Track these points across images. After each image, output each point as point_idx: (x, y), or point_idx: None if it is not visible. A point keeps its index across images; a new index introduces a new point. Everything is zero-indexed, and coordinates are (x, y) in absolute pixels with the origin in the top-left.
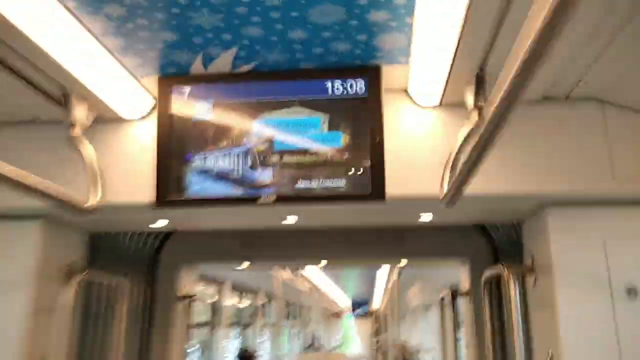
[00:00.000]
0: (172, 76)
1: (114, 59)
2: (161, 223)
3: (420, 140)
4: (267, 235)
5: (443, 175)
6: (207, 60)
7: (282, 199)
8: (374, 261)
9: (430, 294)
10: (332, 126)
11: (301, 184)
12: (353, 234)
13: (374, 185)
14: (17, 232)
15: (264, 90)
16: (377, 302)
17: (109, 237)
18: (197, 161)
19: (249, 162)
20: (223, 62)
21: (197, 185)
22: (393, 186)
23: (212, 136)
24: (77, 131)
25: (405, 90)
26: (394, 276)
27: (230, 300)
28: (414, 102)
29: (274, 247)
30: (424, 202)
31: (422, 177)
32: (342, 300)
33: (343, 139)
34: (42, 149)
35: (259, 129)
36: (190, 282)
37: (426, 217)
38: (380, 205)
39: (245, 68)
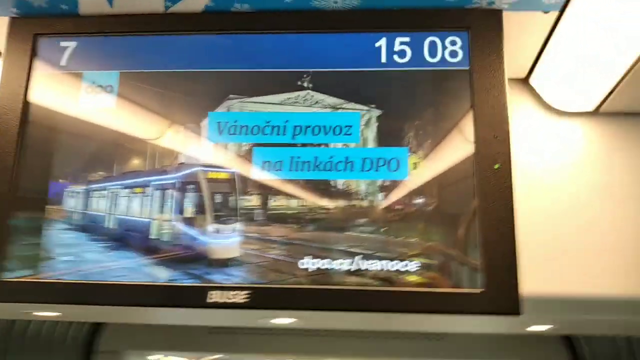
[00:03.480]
0: (35, 17)
1: None
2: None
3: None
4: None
5: None
6: None
7: (263, 300)
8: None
9: None
10: (388, 132)
11: (311, 262)
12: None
13: (489, 280)
14: None
15: (236, 50)
16: None
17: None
18: (74, 199)
19: (192, 206)
20: None
21: (68, 257)
22: (532, 276)
23: (112, 147)
24: None
25: (524, 80)
26: None
27: None
28: (545, 105)
29: (253, 335)
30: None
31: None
32: None
33: (412, 161)
34: None
35: (219, 136)
36: None
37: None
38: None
39: (200, 3)
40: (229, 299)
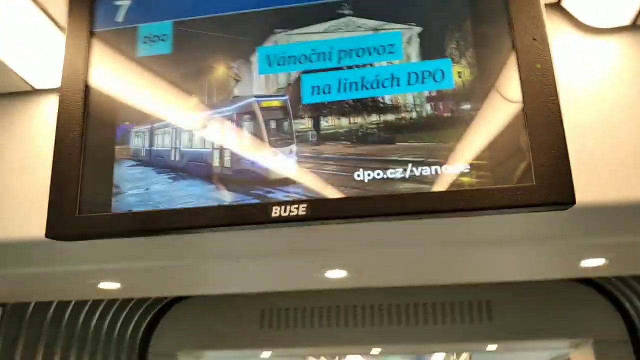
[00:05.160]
0: None
1: None
2: (107, 285)
3: (609, 89)
4: (296, 309)
5: None
6: None
7: (323, 210)
8: (450, 345)
9: None
10: (428, 48)
11: (365, 174)
12: (415, 306)
13: (541, 173)
14: None
15: None
16: None
17: (61, 313)
18: (139, 139)
19: (250, 135)
20: None
21: (137, 190)
22: (585, 178)
23: (171, 88)
24: None
25: (557, 4)
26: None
27: None
28: (577, 22)
29: (306, 328)
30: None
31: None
32: None
33: (456, 72)
34: None
35: (269, 67)
36: None
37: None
38: (558, 218)
39: None
40: (291, 212)
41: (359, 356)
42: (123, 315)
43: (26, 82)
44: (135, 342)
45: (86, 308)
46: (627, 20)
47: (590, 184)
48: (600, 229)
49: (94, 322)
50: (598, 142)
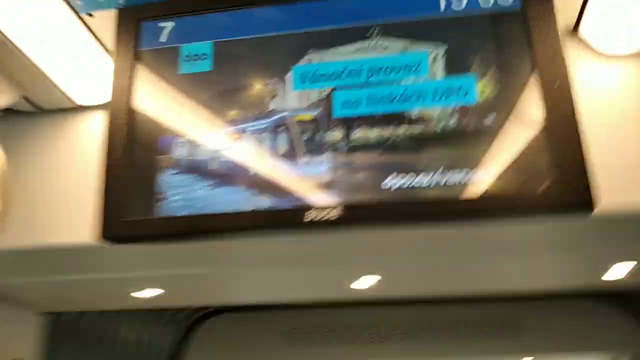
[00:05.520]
0: (138, 5)
1: None
2: (148, 292)
3: (623, 106)
4: (325, 327)
5: None
6: None
7: (353, 215)
8: None
9: None
10: (454, 65)
11: (393, 182)
12: (445, 323)
13: (562, 181)
14: None
15: (313, 13)
16: None
17: (94, 324)
18: (181, 149)
19: (284, 145)
20: None
21: (179, 196)
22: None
23: (211, 103)
24: None
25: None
26: None
27: None
28: (590, 49)
29: (333, 345)
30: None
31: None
32: None
33: (481, 86)
34: None
35: (302, 84)
36: None
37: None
38: (578, 224)
39: None
40: (323, 217)
41: None
42: (156, 329)
43: (71, 100)
44: (163, 355)
45: (123, 320)
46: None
47: (610, 192)
48: (624, 236)
49: (128, 334)
50: (614, 152)
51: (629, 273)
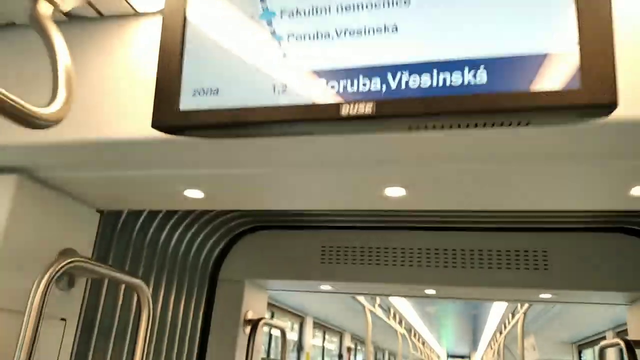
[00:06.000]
0: None
1: None
2: (190, 192)
3: None
4: (354, 247)
5: None
6: None
7: (387, 108)
8: (503, 291)
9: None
10: None
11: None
12: (472, 251)
13: (588, 76)
14: None
15: None
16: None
17: (144, 228)
18: (227, 48)
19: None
20: None
21: (225, 91)
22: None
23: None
24: (40, 7)
25: None
26: (514, 318)
27: (313, 340)
28: None
29: (364, 265)
30: None
31: None
32: (436, 351)
33: None
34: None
35: None
36: (259, 307)
37: None
38: (595, 129)
39: None
40: (358, 110)
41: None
42: (199, 239)
43: (129, 5)
44: (207, 267)
45: (169, 224)
46: None
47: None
48: None
49: (173, 242)
50: None
51: None
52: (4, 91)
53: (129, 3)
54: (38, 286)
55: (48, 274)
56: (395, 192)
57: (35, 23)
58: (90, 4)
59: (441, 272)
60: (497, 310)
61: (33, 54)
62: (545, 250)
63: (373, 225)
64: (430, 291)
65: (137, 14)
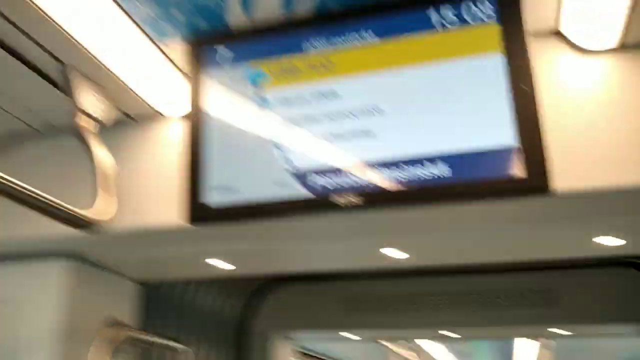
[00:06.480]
0: (202, 37)
1: (122, 14)
2: (217, 263)
3: (593, 100)
4: (376, 294)
5: None
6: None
7: (377, 197)
8: (518, 329)
9: None
10: None
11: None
12: (487, 292)
13: (529, 170)
14: (38, 275)
15: (329, 38)
16: None
17: (174, 293)
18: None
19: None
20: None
21: (247, 187)
22: (561, 173)
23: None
24: (83, 122)
25: (556, 33)
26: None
27: None
28: (572, 46)
29: (387, 313)
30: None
31: (604, 156)
32: None
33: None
34: (54, 161)
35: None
36: (285, 356)
37: (611, 241)
38: (540, 205)
39: (305, 5)
40: (353, 201)
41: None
42: (227, 298)
43: (154, 109)
44: (235, 322)
45: (199, 290)
46: (613, 44)
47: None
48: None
49: (204, 302)
50: (578, 139)
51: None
52: (52, 198)
53: (155, 109)
54: (93, 356)
55: (101, 345)
56: (396, 254)
57: (77, 134)
58: (125, 113)
59: (460, 314)
60: (528, 346)
61: (74, 157)
62: (553, 288)
63: (392, 272)
64: (450, 333)
65: (163, 117)
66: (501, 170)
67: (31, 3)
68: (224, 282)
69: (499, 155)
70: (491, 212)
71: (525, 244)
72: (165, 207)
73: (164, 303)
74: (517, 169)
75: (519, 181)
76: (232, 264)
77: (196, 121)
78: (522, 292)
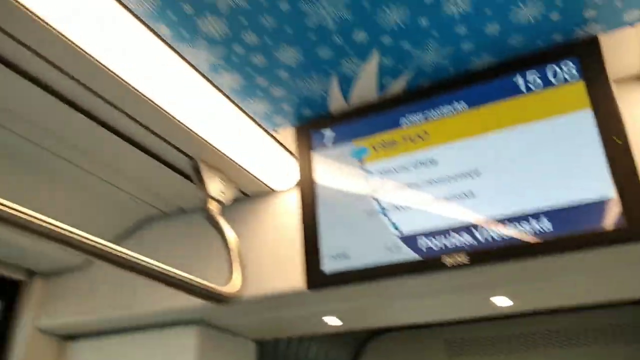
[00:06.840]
0: (308, 122)
1: (238, 111)
2: (331, 320)
3: None
4: (479, 337)
5: None
6: (345, 85)
7: (478, 257)
8: None
9: None
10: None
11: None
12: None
13: (628, 218)
14: (174, 341)
15: (423, 112)
16: None
17: (284, 346)
18: (353, 219)
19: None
20: (366, 83)
21: (357, 255)
22: None
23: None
24: (211, 206)
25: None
26: None
27: None
28: None
29: (488, 355)
30: None
31: None
32: None
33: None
34: (187, 239)
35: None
36: None
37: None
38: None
39: (397, 85)
40: (456, 260)
41: None
42: (334, 347)
43: (269, 187)
44: None
45: (310, 344)
46: None
47: None
48: None
49: (315, 354)
50: None
51: None
52: (193, 277)
53: (268, 185)
54: None
55: None
56: (502, 302)
57: (209, 217)
58: (241, 192)
59: (569, 352)
60: None
61: (199, 234)
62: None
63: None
64: None
65: (273, 192)
66: (601, 220)
67: (159, 108)
68: (332, 339)
69: (599, 207)
70: (594, 258)
71: (626, 283)
72: (284, 275)
73: (278, 357)
74: (617, 218)
75: (619, 230)
76: (341, 320)
77: (308, 198)
78: (615, 329)
